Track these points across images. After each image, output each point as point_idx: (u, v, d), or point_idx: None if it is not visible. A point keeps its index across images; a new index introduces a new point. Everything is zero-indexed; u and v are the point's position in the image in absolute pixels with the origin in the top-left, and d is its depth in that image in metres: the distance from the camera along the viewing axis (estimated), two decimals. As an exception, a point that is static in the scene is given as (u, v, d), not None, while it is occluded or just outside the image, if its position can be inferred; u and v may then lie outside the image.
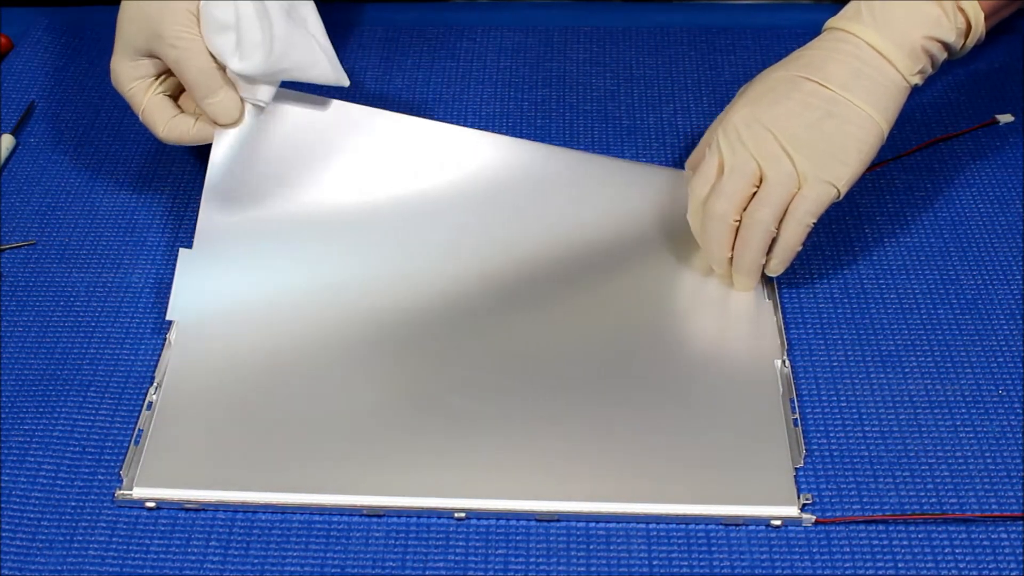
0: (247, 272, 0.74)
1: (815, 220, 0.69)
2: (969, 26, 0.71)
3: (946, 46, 0.71)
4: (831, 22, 0.72)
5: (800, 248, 0.70)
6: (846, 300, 0.73)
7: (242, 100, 0.73)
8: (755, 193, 0.69)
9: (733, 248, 0.71)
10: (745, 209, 0.69)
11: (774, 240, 0.70)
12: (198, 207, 0.73)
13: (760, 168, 0.69)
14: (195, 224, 0.78)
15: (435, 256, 0.75)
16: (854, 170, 0.69)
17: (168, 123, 0.74)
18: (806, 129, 0.68)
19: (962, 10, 0.70)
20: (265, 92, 0.73)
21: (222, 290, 0.73)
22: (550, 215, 0.77)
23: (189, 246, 0.73)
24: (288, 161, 0.76)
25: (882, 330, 0.71)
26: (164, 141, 0.75)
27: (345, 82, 0.75)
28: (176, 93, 0.76)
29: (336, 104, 0.77)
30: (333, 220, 0.77)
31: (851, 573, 0.59)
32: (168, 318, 0.71)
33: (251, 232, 0.75)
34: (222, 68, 0.71)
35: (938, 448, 0.65)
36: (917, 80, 0.70)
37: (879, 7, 0.70)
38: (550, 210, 0.77)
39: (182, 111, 0.75)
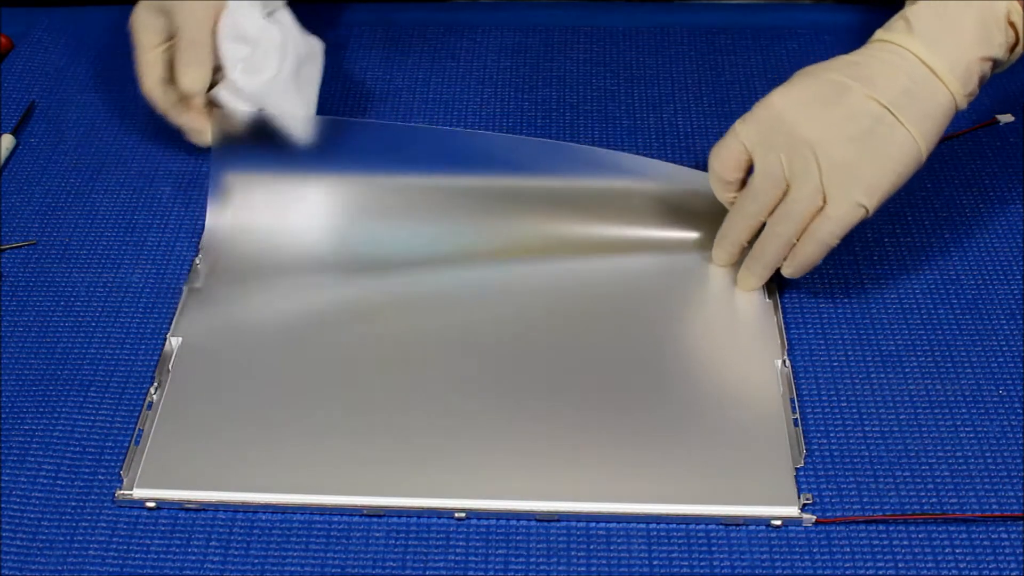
0: (249, 271, 0.74)
1: (839, 241, 0.68)
2: (1017, 40, 0.68)
3: (994, 63, 0.68)
4: (880, 34, 0.69)
5: (819, 263, 0.69)
6: (846, 300, 0.73)
7: (211, 83, 0.77)
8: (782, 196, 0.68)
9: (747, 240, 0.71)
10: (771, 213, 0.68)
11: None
12: (198, 207, 0.73)
13: (787, 176, 0.67)
14: (195, 224, 0.78)
15: (436, 256, 0.75)
16: (886, 192, 0.67)
17: (155, 79, 0.78)
18: (846, 143, 0.66)
19: (1013, 25, 0.67)
20: (241, 108, 0.76)
21: (225, 289, 0.73)
22: (550, 216, 0.77)
23: (189, 246, 0.73)
24: (291, 166, 0.76)
25: (882, 330, 0.71)
26: (144, 93, 0.79)
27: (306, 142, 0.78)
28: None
29: (332, 120, 0.79)
30: (334, 221, 0.77)
31: (851, 573, 0.59)
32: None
33: (252, 233, 0.75)
34: (213, 50, 0.75)
35: (938, 448, 0.65)
36: (964, 104, 0.67)
37: (930, 22, 0.67)
38: (550, 211, 0.77)
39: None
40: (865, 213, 0.67)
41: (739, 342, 0.71)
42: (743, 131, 0.68)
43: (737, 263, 0.73)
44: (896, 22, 0.68)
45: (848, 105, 0.66)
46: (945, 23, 0.67)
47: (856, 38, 0.93)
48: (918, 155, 0.67)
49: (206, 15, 0.76)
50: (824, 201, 0.67)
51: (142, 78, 0.79)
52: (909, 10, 0.68)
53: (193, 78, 0.76)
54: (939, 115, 0.67)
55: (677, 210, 0.77)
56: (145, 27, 0.79)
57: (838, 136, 0.66)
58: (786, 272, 0.71)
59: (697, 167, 0.83)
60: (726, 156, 0.69)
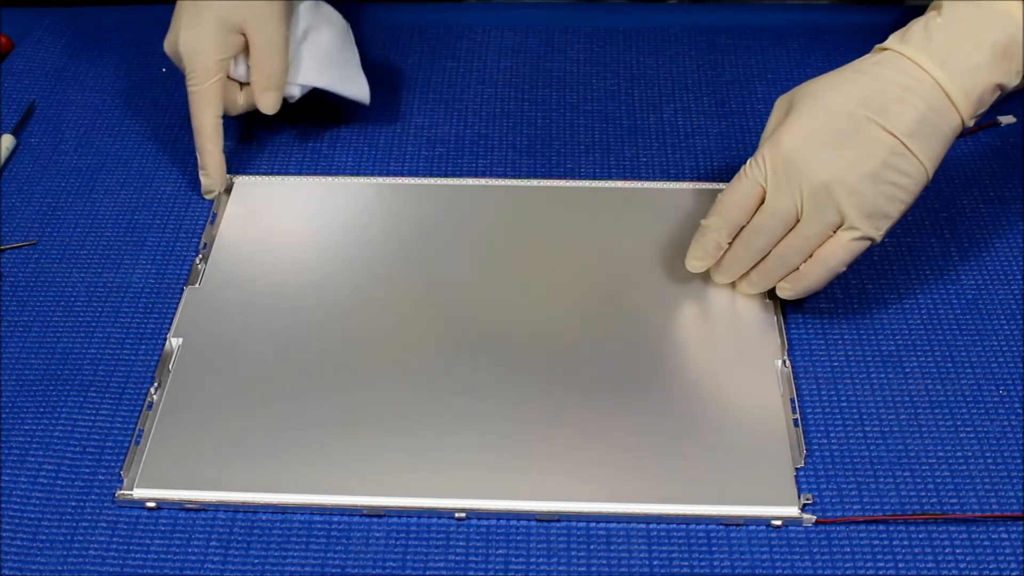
0: (249, 271, 0.74)
1: (846, 268, 0.68)
2: None
3: (1001, 88, 0.66)
4: (895, 43, 0.66)
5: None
6: (846, 300, 0.73)
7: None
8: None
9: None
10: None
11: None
12: (198, 207, 0.73)
13: (800, 211, 0.66)
14: (195, 224, 0.78)
15: (437, 257, 0.75)
16: (895, 219, 0.66)
17: (216, 113, 0.78)
18: (860, 180, 0.64)
19: None
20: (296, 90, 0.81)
21: (225, 289, 0.73)
22: (550, 226, 0.77)
23: (189, 246, 0.73)
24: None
25: (882, 330, 0.71)
26: (197, 127, 0.78)
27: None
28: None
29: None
30: (335, 221, 0.77)
31: (851, 573, 0.59)
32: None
33: (252, 233, 0.75)
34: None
35: (938, 448, 0.65)
36: (971, 124, 0.66)
37: (951, 41, 0.65)
38: (550, 222, 0.78)
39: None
40: (875, 241, 0.67)
41: (739, 342, 0.71)
42: (753, 173, 0.67)
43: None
44: (914, 33, 0.66)
45: (862, 142, 0.65)
46: (967, 44, 0.65)
47: (855, 39, 0.94)
48: (926, 179, 0.66)
49: (281, 29, 0.78)
50: (834, 231, 0.66)
51: (202, 110, 0.77)
52: (930, 22, 0.66)
53: (272, 102, 0.79)
54: (949, 138, 0.66)
55: (674, 220, 0.77)
56: (207, 51, 0.77)
57: (852, 174, 0.65)
58: (785, 294, 0.70)
59: (696, 167, 0.83)
60: (741, 201, 0.67)
